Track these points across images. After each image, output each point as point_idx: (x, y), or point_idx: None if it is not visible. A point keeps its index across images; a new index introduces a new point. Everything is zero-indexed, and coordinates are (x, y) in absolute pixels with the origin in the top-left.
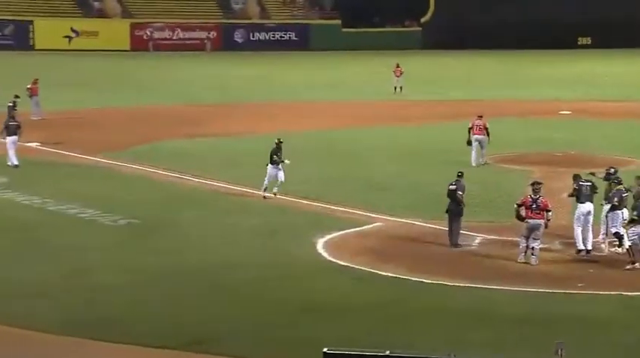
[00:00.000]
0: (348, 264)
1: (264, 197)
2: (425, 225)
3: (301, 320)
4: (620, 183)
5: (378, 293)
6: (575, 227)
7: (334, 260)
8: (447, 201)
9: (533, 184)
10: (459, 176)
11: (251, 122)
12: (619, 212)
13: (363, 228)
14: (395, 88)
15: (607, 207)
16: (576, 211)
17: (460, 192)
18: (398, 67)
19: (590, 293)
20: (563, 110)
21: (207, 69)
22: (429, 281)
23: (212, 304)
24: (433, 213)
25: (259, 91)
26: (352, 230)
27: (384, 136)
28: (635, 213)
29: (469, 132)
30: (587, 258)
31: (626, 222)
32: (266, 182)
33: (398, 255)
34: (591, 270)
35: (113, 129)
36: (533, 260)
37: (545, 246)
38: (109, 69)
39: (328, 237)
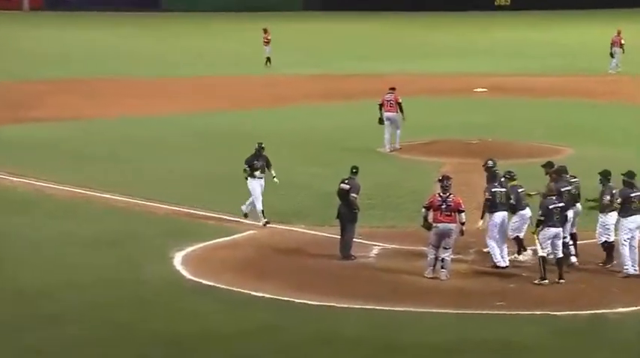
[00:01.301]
0: (214, 284)
1: (266, 223)
2: (310, 232)
3: (153, 356)
4: (513, 178)
5: (252, 320)
6: (489, 240)
7: (196, 278)
8: (338, 202)
9: (441, 180)
10: (353, 172)
11: (94, 103)
12: (522, 213)
13: (233, 237)
14: (267, 60)
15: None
16: (489, 222)
17: (354, 194)
18: (265, 32)
19: (511, 313)
20: (478, 87)
21: (29, 34)
22: (316, 303)
23: (35, 338)
24: (321, 217)
25: (103, 64)
26: (219, 240)
27: (263, 121)
28: (539, 213)
29: (380, 109)
30: (508, 271)
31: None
32: (259, 206)
33: (277, 270)
34: (512, 285)
35: None
36: (443, 274)
37: (458, 256)
38: None
39: (189, 249)
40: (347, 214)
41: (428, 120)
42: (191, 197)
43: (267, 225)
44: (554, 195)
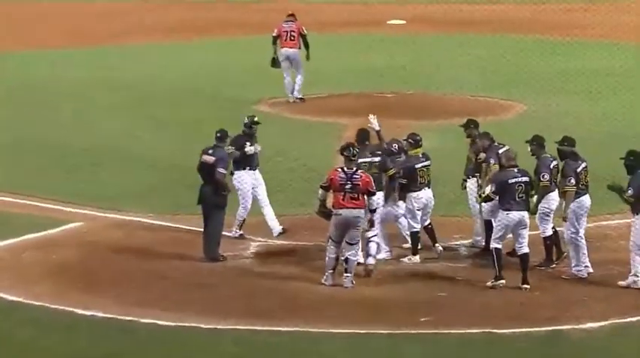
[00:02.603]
0: (23, 299)
1: (241, 235)
2: (159, 223)
3: None
4: (418, 145)
5: (77, 349)
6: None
7: None
8: (200, 181)
9: (345, 149)
10: (219, 138)
11: None
12: (415, 194)
13: (49, 232)
14: None
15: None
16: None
17: (221, 170)
18: None
19: (440, 332)
20: (393, 19)
21: None
22: (170, 324)
23: None
24: (173, 202)
25: None
26: (29, 236)
27: (92, 64)
28: (491, 188)
29: (274, 43)
30: (439, 275)
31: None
32: (243, 212)
33: (114, 279)
34: (443, 293)
35: None
36: (347, 280)
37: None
38: None
39: None
40: (212, 198)
41: (325, 65)
42: None
43: (241, 237)
44: (514, 166)
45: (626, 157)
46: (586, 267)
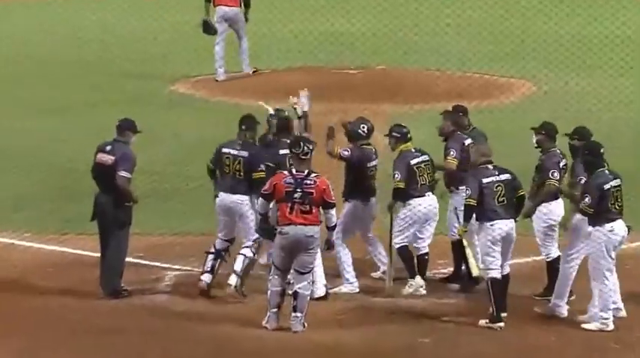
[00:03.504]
0: None
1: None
2: (41, 246)
3: None
4: (407, 139)
5: None
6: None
7: None
8: (95, 188)
9: (294, 145)
10: (119, 128)
11: None
12: (416, 201)
13: None
14: None
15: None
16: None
17: (124, 173)
18: None
19: None
20: None
21: None
22: None
23: None
24: (58, 216)
25: None
26: None
27: None
28: (467, 192)
29: (208, 1)
30: (419, 311)
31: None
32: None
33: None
34: (426, 340)
35: None
36: (296, 322)
37: (336, 288)
38: None
39: None
40: (111, 211)
41: (269, 31)
42: None
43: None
44: (489, 163)
45: (570, 135)
46: (616, 309)
